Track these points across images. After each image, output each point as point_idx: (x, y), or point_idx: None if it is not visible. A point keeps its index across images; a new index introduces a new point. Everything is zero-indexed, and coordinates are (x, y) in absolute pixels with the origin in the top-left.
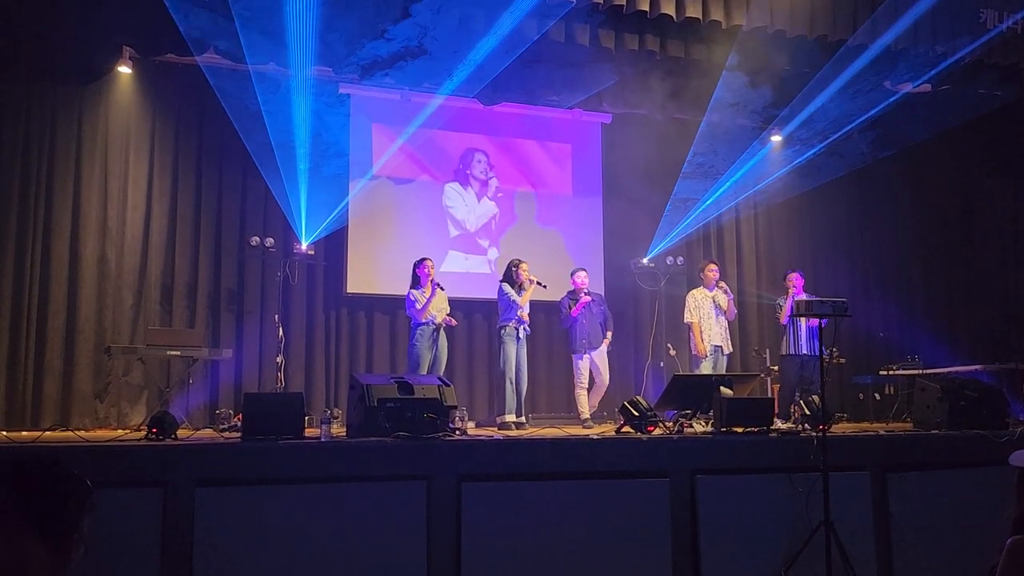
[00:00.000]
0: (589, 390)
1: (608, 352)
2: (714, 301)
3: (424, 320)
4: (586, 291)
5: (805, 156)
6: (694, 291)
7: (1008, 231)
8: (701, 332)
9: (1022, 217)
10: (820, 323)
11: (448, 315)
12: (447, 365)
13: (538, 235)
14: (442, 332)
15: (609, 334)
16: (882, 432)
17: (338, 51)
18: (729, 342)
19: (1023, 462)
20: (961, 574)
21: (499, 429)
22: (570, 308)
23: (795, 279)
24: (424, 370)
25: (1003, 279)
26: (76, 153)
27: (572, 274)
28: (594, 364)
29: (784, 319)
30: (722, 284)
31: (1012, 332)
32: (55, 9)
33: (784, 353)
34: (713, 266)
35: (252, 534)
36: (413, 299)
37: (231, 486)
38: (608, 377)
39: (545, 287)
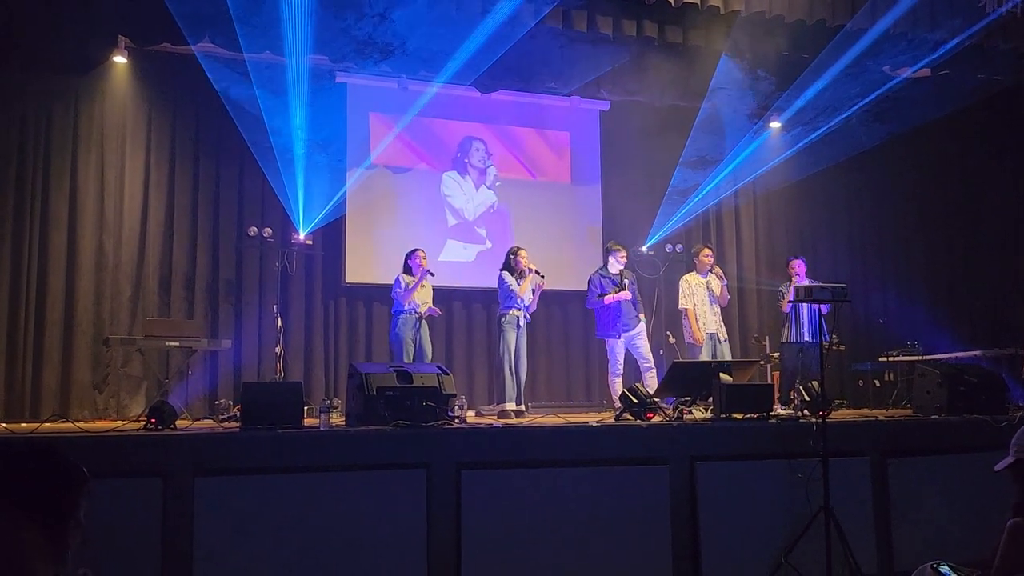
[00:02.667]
0: (643, 374)
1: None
2: (708, 287)
3: (406, 307)
4: (626, 273)
5: (804, 142)
6: (687, 276)
7: (1009, 216)
8: (697, 318)
9: (1022, 202)
10: (820, 309)
11: (431, 306)
12: (446, 354)
13: (536, 223)
14: (424, 322)
15: (642, 315)
16: (882, 418)
17: (332, 38)
18: (723, 328)
19: (1003, 466)
20: (961, 558)
21: (499, 417)
22: (602, 294)
23: (798, 265)
24: (408, 359)
25: (1003, 264)
26: (72, 144)
27: (612, 252)
28: (634, 348)
29: (787, 307)
30: (716, 269)
31: (1012, 317)
32: None
33: (785, 340)
34: (708, 251)
35: (252, 523)
36: (404, 283)
37: (230, 475)
38: (652, 359)
39: (543, 277)
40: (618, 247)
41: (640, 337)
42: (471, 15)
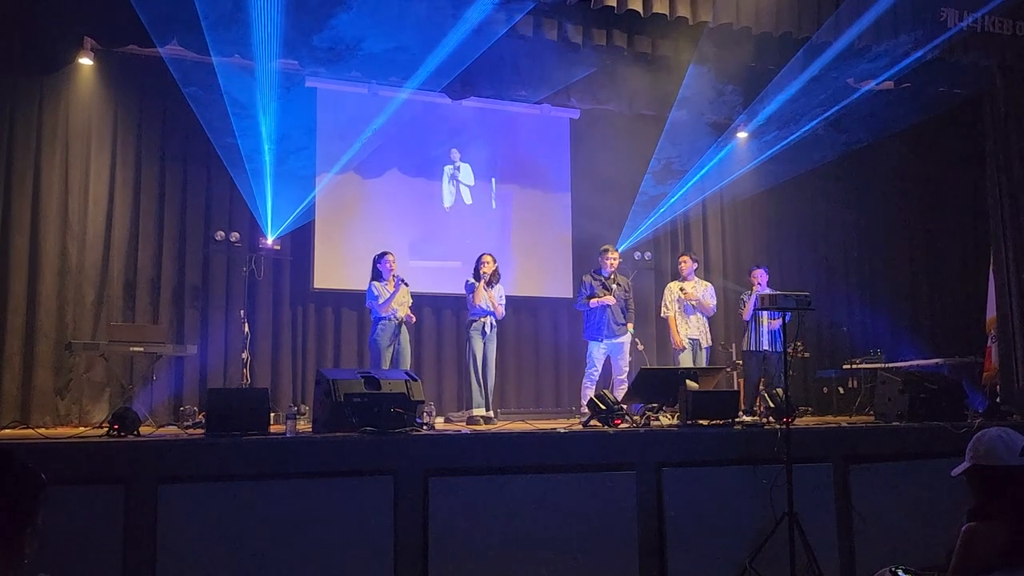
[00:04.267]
0: (615, 385)
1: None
2: (687, 292)
3: (385, 314)
4: (621, 280)
5: (771, 152)
6: (670, 284)
7: (968, 226)
8: (676, 325)
9: (982, 212)
10: (784, 318)
11: (409, 312)
12: (415, 360)
13: (507, 230)
14: (403, 327)
15: (630, 325)
16: (844, 424)
17: (302, 42)
18: (708, 335)
19: (959, 471)
20: (921, 561)
21: (467, 424)
22: (592, 292)
23: (759, 275)
24: (386, 364)
25: (964, 273)
26: (36, 146)
27: (603, 253)
28: (614, 358)
29: (747, 315)
30: (689, 279)
31: (972, 326)
32: None
33: (745, 348)
34: (684, 258)
35: (216, 531)
36: (376, 293)
37: (194, 483)
38: (627, 372)
39: (491, 285)
40: (606, 248)
41: (622, 348)
42: (442, 22)
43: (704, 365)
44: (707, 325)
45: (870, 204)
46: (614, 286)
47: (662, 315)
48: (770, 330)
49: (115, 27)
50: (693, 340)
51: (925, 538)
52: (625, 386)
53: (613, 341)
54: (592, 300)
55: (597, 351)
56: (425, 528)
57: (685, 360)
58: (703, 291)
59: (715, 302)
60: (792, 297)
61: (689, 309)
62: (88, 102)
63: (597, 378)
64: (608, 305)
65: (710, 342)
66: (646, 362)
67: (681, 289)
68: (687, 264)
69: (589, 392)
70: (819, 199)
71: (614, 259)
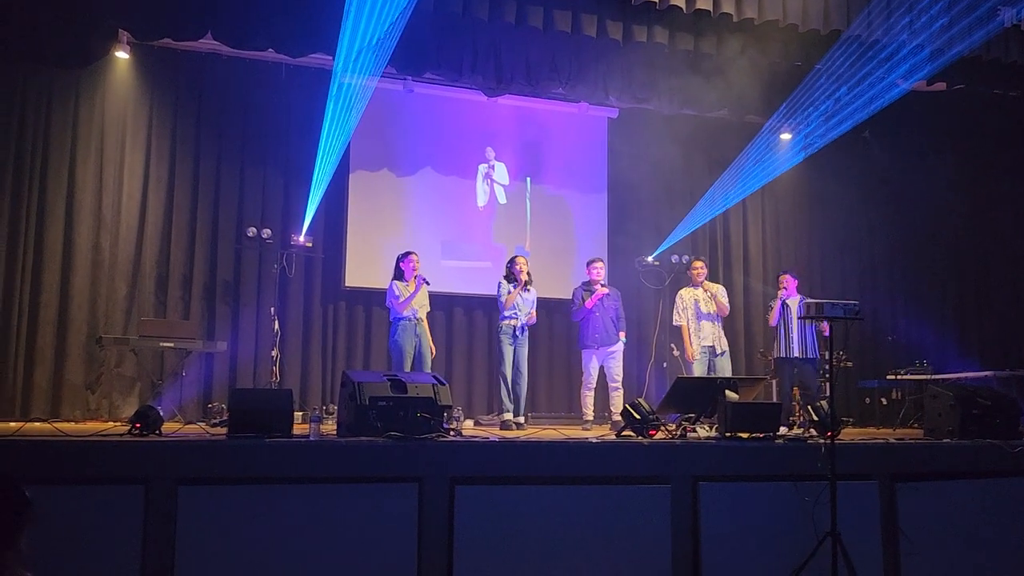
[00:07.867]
0: (610, 392)
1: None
2: (698, 300)
3: (404, 315)
4: (602, 283)
5: (815, 153)
6: (682, 291)
7: (1020, 236)
8: (690, 334)
9: None
10: (814, 327)
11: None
12: (445, 362)
13: (541, 231)
14: (424, 326)
15: (622, 334)
16: (892, 440)
17: (336, 38)
18: (724, 340)
19: None
20: None
21: (500, 428)
22: (584, 300)
23: (787, 280)
24: (408, 365)
25: (1014, 282)
26: (71, 139)
27: (588, 265)
28: (607, 365)
29: (773, 321)
30: (706, 284)
31: (1022, 339)
32: None
33: (777, 356)
34: (698, 263)
35: (236, 535)
36: (397, 292)
37: (215, 485)
38: (621, 379)
39: (528, 289)
40: (592, 259)
41: (615, 357)
42: (478, 18)
43: (726, 372)
44: (722, 330)
45: (917, 209)
46: (596, 286)
47: (674, 323)
48: (800, 336)
49: (150, 21)
50: (707, 348)
51: (977, 562)
52: (620, 393)
53: (607, 349)
54: (588, 301)
55: (590, 360)
56: (450, 539)
57: (698, 371)
58: (717, 289)
59: (727, 300)
60: (840, 306)
61: (702, 315)
62: (123, 96)
63: (594, 385)
64: (603, 306)
65: (726, 347)
66: (681, 369)
67: (705, 290)
68: (702, 271)
69: (589, 400)
70: (863, 203)
71: (599, 268)
